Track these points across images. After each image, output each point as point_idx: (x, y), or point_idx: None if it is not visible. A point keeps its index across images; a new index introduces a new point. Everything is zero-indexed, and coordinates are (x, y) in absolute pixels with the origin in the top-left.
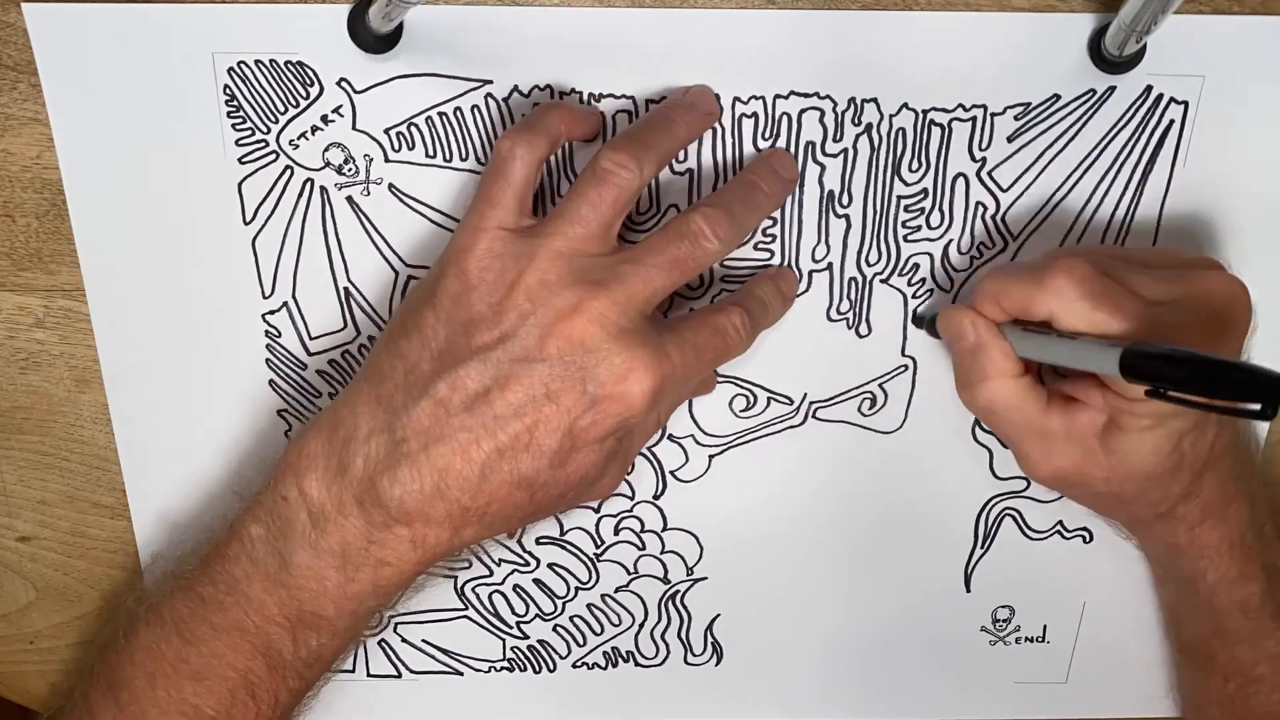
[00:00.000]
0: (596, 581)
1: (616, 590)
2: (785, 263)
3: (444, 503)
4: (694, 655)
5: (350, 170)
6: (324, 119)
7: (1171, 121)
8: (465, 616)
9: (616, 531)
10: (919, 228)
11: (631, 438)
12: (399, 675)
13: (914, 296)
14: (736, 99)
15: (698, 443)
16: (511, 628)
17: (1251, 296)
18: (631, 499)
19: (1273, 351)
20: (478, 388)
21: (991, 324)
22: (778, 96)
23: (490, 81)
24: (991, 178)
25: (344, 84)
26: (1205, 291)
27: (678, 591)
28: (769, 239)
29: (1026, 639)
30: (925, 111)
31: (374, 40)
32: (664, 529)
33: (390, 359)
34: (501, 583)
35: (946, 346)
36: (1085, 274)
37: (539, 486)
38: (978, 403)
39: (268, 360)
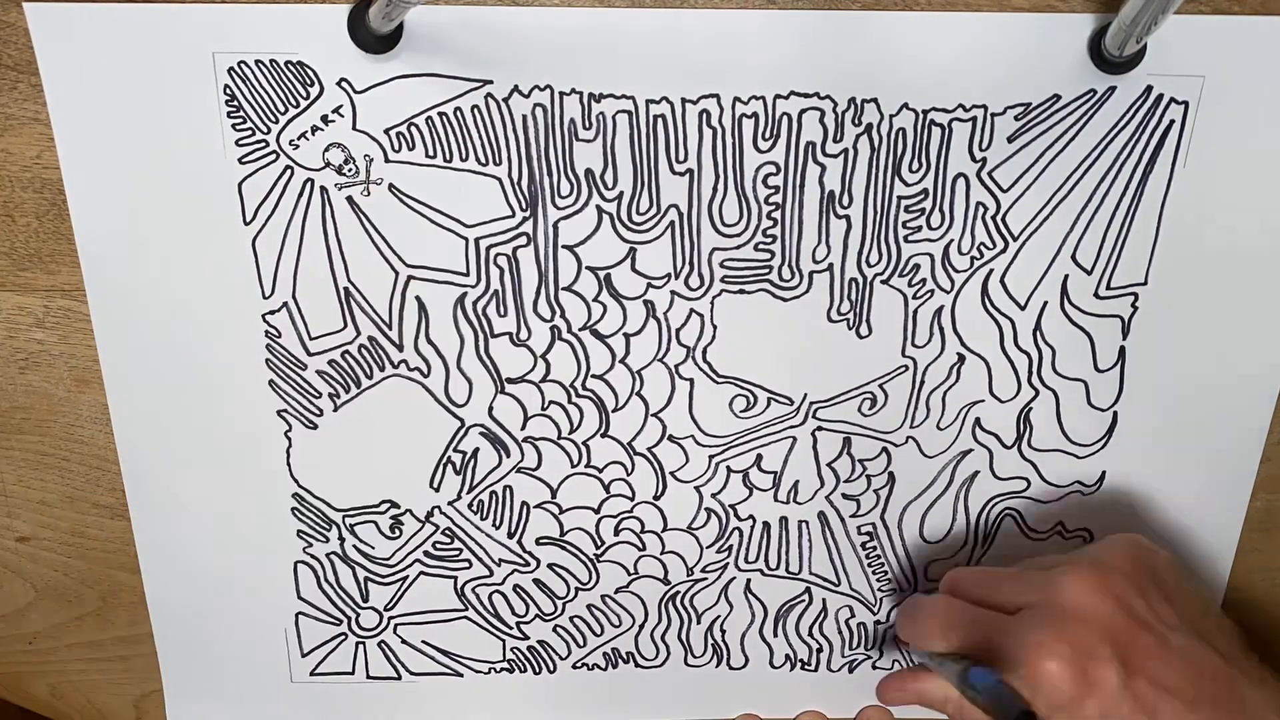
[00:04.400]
0: (597, 582)
1: (616, 591)
2: (785, 262)
3: None
4: (694, 656)
5: (350, 170)
6: (324, 119)
7: (1172, 122)
8: (465, 617)
9: (616, 532)
10: (919, 228)
11: None
12: (399, 677)
13: (914, 297)
14: (736, 99)
15: (698, 443)
16: (511, 628)
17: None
18: (631, 499)
19: (1274, 353)
20: None
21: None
22: (778, 96)
23: (490, 81)
24: (992, 178)
25: (344, 84)
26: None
27: (678, 592)
28: (769, 239)
29: None
30: (925, 112)
31: (374, 40)
32: (664, 529)
33: None
34: (501, 583)
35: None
36: None
37: None
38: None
39: (268, 360)
